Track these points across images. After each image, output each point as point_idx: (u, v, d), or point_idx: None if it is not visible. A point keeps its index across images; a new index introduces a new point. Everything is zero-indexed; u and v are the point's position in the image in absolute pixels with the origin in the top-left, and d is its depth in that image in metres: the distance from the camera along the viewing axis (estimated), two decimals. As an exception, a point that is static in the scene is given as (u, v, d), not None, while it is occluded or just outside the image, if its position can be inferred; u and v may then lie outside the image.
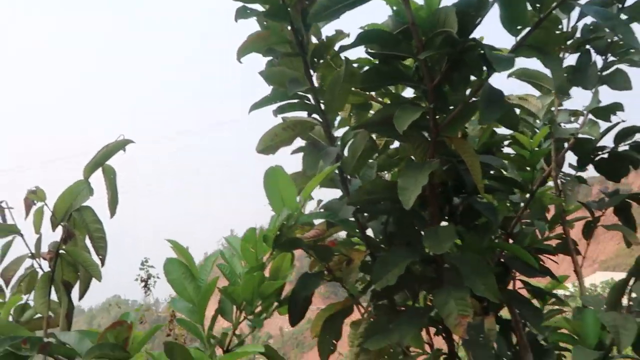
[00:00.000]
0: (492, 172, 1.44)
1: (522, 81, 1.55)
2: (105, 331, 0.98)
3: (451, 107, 1.25)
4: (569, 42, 1.59)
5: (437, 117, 1.21)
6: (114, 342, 0.96)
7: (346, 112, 1.52)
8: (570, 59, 1.59)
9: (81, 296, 1.55)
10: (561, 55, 1.57)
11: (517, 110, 1.60)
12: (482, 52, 1.10)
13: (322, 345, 1.34)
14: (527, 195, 1.58)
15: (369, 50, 1.22)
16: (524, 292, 1.61)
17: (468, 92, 1.20)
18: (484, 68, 1.14)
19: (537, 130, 1.63)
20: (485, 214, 1.36)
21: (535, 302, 1.71)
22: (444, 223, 1.43)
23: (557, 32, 1.49)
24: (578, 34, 1.57)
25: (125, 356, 0.97)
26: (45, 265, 1.54)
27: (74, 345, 1.00)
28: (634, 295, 1.17)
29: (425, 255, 1.29)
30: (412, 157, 1.30)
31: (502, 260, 1.53)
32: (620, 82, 1.61)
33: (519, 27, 1.14)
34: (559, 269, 1.72)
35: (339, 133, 1.44)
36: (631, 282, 1.24)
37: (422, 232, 1.31)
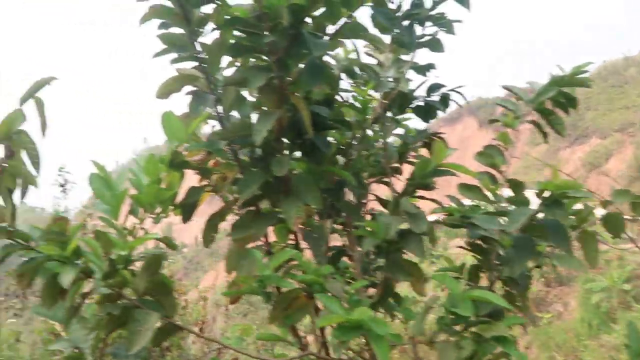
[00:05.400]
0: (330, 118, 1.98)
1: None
2: (50, 222, 1.49)
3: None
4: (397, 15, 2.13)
5: (283, 79, 1.74)
6: (57, 230, 1.48)
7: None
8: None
9: (22, 198, 2.02)
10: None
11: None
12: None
13: (206, 235, 1.91)
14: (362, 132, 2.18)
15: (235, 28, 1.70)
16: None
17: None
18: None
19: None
20: (320, 147, 1.93)
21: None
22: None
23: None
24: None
25: (66, 239, 1.49)
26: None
27: (28, 232, 1.50)
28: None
29: (279, 176, 1.86)
30: (265, 108, 1.83)
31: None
32: (436, 46, 2.19)
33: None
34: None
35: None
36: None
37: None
